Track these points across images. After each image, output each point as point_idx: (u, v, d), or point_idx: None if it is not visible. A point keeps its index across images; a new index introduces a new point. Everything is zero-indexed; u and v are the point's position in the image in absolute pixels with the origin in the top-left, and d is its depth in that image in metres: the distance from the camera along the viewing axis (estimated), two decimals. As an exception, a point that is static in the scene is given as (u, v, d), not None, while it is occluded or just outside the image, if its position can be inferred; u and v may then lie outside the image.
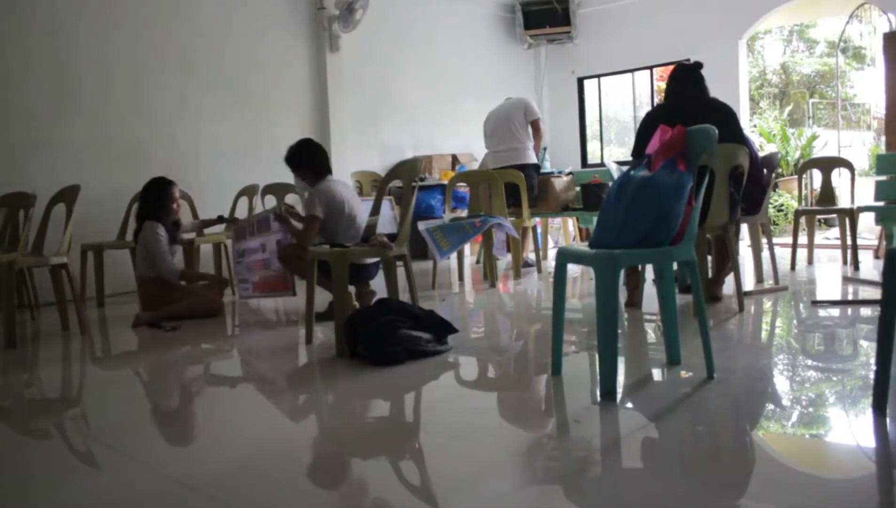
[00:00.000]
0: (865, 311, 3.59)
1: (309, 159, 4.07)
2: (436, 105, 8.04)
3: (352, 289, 3.97)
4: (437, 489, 1.73)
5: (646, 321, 3.65)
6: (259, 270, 4.72)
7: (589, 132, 9.47)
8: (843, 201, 5.78)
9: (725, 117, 3.64)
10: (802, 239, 5.53)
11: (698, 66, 3.86)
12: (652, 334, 3.40)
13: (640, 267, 3.96)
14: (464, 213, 6.04)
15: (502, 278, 5.40)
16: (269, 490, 1.73)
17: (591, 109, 9.40)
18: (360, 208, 4.08)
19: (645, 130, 3.74)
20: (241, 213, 5.63)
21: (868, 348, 2.86)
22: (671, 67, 4.01)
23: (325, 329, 3.67)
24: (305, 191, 4.34)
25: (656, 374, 2.62)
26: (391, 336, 2.87)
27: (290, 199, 5.76)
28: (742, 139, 3.71)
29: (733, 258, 3.80)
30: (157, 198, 4.37)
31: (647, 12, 8.41)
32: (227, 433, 2.27)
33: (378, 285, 3.98)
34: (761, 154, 4.66)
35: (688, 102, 3.72)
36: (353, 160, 7.16)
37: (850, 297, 4.19)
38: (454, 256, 6.61)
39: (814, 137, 10.57)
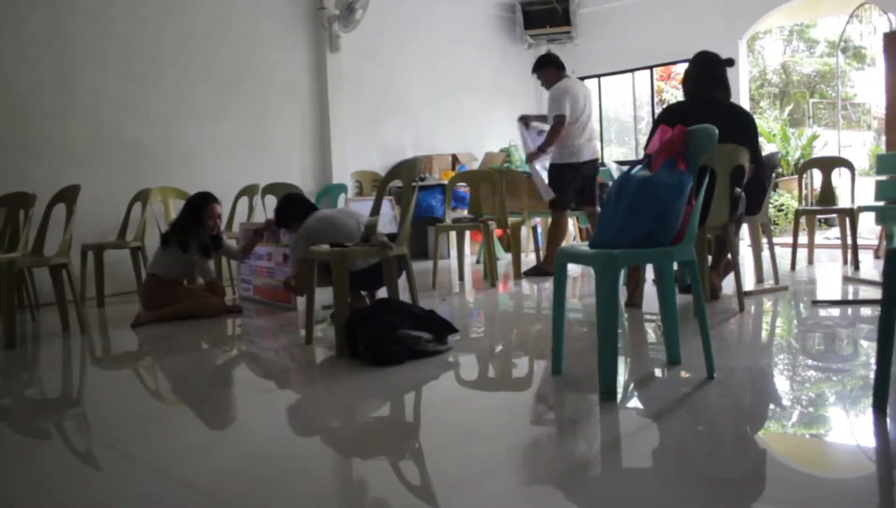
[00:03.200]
0: (865, 311, 3.59)
1: (289, 214, 4.04)
2: (436, 105, 8.03)
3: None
4: (437, 489, 1.73)
5: (646, 320, 3.65)
6: (262, 276, 4.78)
7: (589, 132, 9.46)
8: (844, 201, 5.78)
9: (745, 127, 3.62)
10: (802, 239, 5.54)
11: (730, 62, 3.77)
12: (652, 334, 3.40)
13: (640, 267, 3.96)
14: (464, 213, 6.04)
15: (502, 278, 5.40)
16: (269, 489, 1.73)
17: (591, 109, 9.39)
18: (350, 219, 3.90)
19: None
20: (241, 212, 5.64)
21: (868, 348, 2.86)
22: (690, 57, 3.86)
23: (325, 329, 3.67)
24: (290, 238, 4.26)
25: (656, 374, 2.62)
26: (391, 336, 2.87)
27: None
28: (757, 151, 3.68)
29: (733, 258, 3.80)
30: (192, 213, 4.45)
31: (647, 12, 8.40)
32: (227, 433, 2.27)
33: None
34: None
35: (707, 105, 3.65)
36: (353, 160, 7.16)
37: (850, 297, 4.19)
38: (454, 255, 6.63)
39: (814, 137, 10.58)
